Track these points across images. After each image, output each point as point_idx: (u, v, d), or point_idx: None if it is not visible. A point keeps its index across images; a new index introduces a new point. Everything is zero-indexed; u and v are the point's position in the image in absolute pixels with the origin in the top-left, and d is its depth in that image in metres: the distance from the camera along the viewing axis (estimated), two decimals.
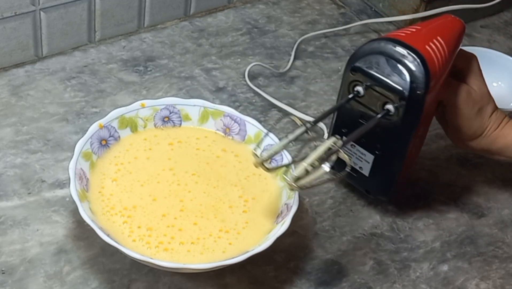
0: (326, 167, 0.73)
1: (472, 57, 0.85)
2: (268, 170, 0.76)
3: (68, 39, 1.03)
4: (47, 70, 1.01)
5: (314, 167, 0.72)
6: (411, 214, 0.90)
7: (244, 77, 1.03)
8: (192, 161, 0.84)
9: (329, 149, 0.73)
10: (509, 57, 1.05)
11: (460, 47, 0.90)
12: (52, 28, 1.01)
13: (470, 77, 0.84)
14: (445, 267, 0.85)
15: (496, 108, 0.85)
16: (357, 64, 0.79)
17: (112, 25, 1.06)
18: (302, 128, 0.76)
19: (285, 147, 0.76)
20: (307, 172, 0.72)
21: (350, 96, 0.80)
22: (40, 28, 1.00)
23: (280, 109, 0.99)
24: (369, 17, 1.18)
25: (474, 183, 0.94)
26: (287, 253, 0.83)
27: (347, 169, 0.74)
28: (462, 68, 0.84)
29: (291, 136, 0.75)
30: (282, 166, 0.75)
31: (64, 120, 0.94)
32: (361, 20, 1.17)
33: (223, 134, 0.87)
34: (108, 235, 0.73)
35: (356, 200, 0.90)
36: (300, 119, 0.77)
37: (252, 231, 0.78)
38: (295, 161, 0.76)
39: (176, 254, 0.75)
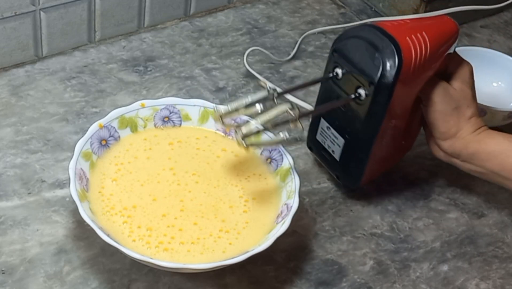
0: (282, 134, 0.76)
1: (465, 64, 0.86)
2: (225, 125, 0.78)
3: (68, 39, 1.03)
4: (47, 70, 1.01)
5: (266, 128, 0.76)
6: (411, 214, 0.90)
7: (243, 70, 1.04)
8: (192, 161, 0.84)
9: (287, 115, 0.76)
10: (509, 57, 1.05)
11: (460, 47, 0.90)
12: (52, 28, 1.01)
13: (455, 79, 0.84)
14: (445, 267, 0.85)
15: (477, 115, 0.84)
16: (339, 45, 0.82)
17: (112, 25, 1.06)
18: (265, 92, 0.78)
19: (244, 106, 0.77)
20: (257, 132, 0.75)
21: (329, 76, 0.83)
22: (40, 28, 1.00)
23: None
24: (369, 17, 1.18)
25: (474, 183, 0.94)
26: (287, 253, 0.83)
27: (298, 138, 0.79)
28: (452, 72, 0.85)
29: (250, 98, 0.77)
30: (238, 125, 0.77)
31: (64, 120, 0.94)
32: (361, 20, 1.17)
33: (223, 134, 0.87)
34: (108, 235, 0.73)
35: (356, 200, 0.90)
36: (267, 84, 0.79)
37: (252, 231, 0.78)
38: (249, 121, 0.78)
39: (176, 254, 0.75)
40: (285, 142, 0.78)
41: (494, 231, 0.89)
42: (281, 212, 0.79)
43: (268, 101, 0.78)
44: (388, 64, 0.78)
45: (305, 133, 0.91)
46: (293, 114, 0.75)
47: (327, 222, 0.87)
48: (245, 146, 0.75)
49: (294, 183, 0.81)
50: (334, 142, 0.86)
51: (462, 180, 0.95)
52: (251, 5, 1.18)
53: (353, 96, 0.81)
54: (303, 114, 0.77)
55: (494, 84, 1.04)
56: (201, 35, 1.11)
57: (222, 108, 0.77)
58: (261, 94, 0.78)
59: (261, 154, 0.85)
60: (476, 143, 0.83)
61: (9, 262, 0.78)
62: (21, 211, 0.83)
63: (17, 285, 0.76)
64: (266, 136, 0.81)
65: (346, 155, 0.85)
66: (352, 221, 0.88)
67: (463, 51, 0.91)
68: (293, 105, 0.76)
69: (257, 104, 0.77)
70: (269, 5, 1.18)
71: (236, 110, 0.77)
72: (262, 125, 0.76)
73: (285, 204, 0.80)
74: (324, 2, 1.21)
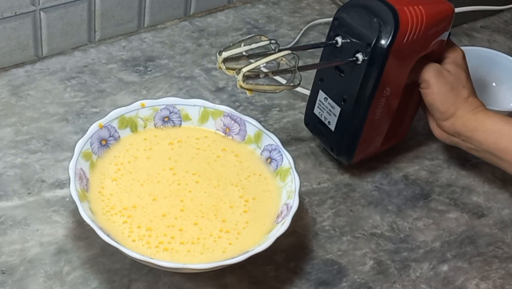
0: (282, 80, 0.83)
1: (457, 48, 0.90)
2: (227, 69, 0.81)
3: (68, 39, 1.03)
4: (47, 70, 1.01)
5: (267, 74, 0.80)
6: (411, 214, 0.90)
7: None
8: (192, 161, 0.84)
9: (286, 64, 0.82)
10: (509, 57, 1.05)
11: (461, 47, 0.90)
12: (52, 28, 1.01)
13: (448, 63, 0.88)
14: (445, 267, 0.85)
15: (473, 95, 0.87)
16: (340, 14, 0.86)
17: (112, 25, 1.06)
18: (266, 42, 0.82)
19: (246, 53, 0.81)
20: (258, 76, 0.79)
21: (329, 42, 0.87)
22: (40, 28, 1.00)
23: (280, 108, 1.00)
24: None
25: (474, 183, 0.95)
26: (287, 253, 0.83)
27: (296, 84, 0.82)
28: (445, 57, 0.89)
29: (254, 45, 0.81)
30: (239, 68, 0.80)
31: (64, 120, 0.94)
32: None
33: (223, 134, 0.87)
34: (108, 235, 0.73)
35: (356, 200, 0.90)
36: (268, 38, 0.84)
37: (252, 231, 0.78)
38: (250, 63, 0.81)
39: (176, 254, 0.75)
40: (283, 88, 0.83)
41: (494, 231, 0.89)
42: (281, 212, 0.79)
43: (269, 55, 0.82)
44: (385, 28, 0.82)
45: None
46: (292, 63, 0.81)
47: (327, 222, 0.87)
48: (245, 86, 0.79)
49: (294, 183, 0.81)
50: (331, 113, 0.89)
51: (462, 180, 0.95)
52: (251, 5, 1.18)
53: (349, 59, 0.84)
54: (302, 66, 0.82)
55: (494, 84, 1.04)
56: (201, 35, 1.11)
57: (225, 53, 0.80)
58: (264, 43, 0.82)
59: (261, 154, 0.85)
60: (474, 121, 0.86)
61: (9, 262, 0.78)
62: (21, 211, 0.83)
63: (17, 285, 0.76)
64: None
65: (341, 124, 0.88)
66: (352, 221, 0.88)
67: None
68: (293, 53, 0.81)
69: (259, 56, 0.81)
70: (269, 5, 1.18)
71: (238, 57, 0.81)
72: (262, 69, 0.80)
73: (285, 204, 0.80)
74: (324, 2, 1.21)
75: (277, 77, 0.98)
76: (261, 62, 0.79)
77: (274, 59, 0.81)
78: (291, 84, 0.83)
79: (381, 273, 0.83)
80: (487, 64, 1.03)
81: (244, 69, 0.79)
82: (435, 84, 0.86)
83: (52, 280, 0.77)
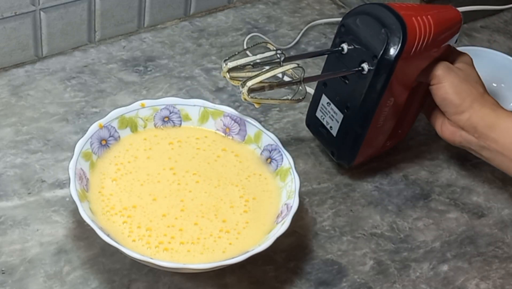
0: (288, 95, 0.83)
1: (466, 55, 0.89)
2: (232, 79, 0.81)
3: (68, 39, 1.03)
4: (47, 70, 1.01)
5: (272, 86, 0.80)
6: (411, 214, 0.90)
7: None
8: (192, 161, 0.84)
9: (291, 76, 0.82)
10: (509, 57, 1.05)
11: (460, 47, 0.90)
12: (52, 28, 1.01)
13: (458, 63, 0.87)
14: (445, 267, 0.85)
15: (488, 93, 0.85)
16: (347, 20, 0.86)
17: (112, 25, 1.06)
18: (272, 52, 0.82)
19: (252, 64, 0.81)
20: (263, 89, 0.79)
21: (334, 49, 0.86)
22: (40, 28, 1.00)
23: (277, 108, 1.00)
24: None
25: (474, 183, 0.94)
26: (287, 253, 0.83)
27: (300, 98, 0.82)
28: (453, 61, 0.87)
29: (259, 56, 0.81)
30: (244, 80, 0.80)
31: (64, 120, 0.94)
32: None
33: (223, 134, 0.87)
34: (108, 235, 0.73)
35: (356, 200, 0.90)
36: (274, 46, 0.84)
37: (252, 231, 0.78)
38: (255, 76, 0.80)
39: (176, 254, 0.75)
40: (288, 101, 0.84)
41: (494, 231, 0.89)
42: (281, 212, 0.79)
43: (274, 64, 0.81)
44: (393, 40, 0.81)
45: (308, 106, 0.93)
46: (297, 75, 0.80)
47: (327, 222, 0.87)
48: (249, 100, 0.79)
49: (294, 183, 0.81)
50: (333, 118, 0.88)
51: (462, 180, 0.95)
52: (251, 5, 1.18)
53: (355, 69, 0.83)
54: (307, 78, 0.82)
55: (494, 84, 1.04)
56: (201, 35, 1.11)
57: (230, 63, 0.80)
58: (269, 54, 0.81)
59: (261, 154, 0.85)
60: (494, 117, 0.83)
61: (9, 262, 0.78)
62: (21, 211, 0.83)
63: (17, 285, 0.76)
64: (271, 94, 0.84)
65: (343, 130, 0.88)
66: (352, 221, 0.88)
67: (463, 51, 0.91)
68: (299, 66, 0.80)
69: (264, 66, 0.81)
70: (269, 5, 1.18)
71: (244, 67, 0.80)
72: (267, 82, 0.79)
73: (285, 204, 0.80)
74: (324, 2, 1.21)
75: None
76: (266, 77, 0.79)
77: (279, 72, 0.81)
78: (297, 98, 0.83)
79: (381, 273, 0.83)
80: (487, 64, 1.03)
81: (249, 83, 0.78)
82: (446, 77, 0.84)
83: (52, 280, 0.77)
